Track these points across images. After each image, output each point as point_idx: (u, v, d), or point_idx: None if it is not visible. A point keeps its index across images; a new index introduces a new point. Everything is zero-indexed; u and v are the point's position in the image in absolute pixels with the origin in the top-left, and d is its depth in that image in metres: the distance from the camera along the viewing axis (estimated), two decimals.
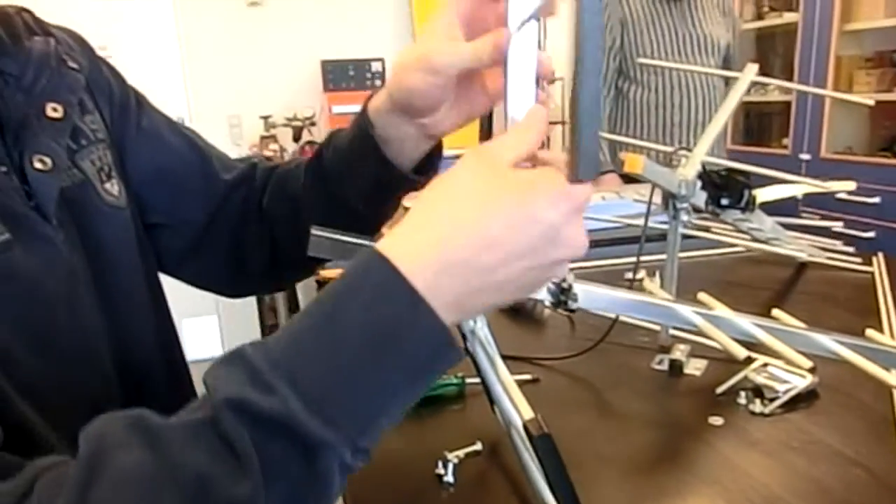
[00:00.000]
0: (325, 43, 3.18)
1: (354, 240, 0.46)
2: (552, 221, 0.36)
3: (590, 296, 0.52)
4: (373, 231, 0.62)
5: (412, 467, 0.61)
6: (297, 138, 3.03)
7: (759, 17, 2.99)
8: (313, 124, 3.06)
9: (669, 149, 0.83)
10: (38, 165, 0.48)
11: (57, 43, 0.54)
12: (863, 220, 2.28)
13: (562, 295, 0.45)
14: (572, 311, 0.45)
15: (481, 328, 0.48)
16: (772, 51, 3.11)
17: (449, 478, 0.58)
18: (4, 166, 0.46)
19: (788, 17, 2.78)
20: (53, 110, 0.51)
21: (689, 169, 0.79)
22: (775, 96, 2.88)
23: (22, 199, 0.46)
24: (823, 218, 2.21)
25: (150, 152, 0.61)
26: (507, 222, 0.36)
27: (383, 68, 3.11)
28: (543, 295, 0.48)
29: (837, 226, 1.15)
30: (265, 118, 3.05)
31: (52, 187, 0.49)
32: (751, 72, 0.87)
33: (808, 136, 2.60)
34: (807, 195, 1.30)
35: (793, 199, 1.07)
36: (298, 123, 3.02)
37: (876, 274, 1.09)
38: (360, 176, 0.56)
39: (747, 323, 0.60)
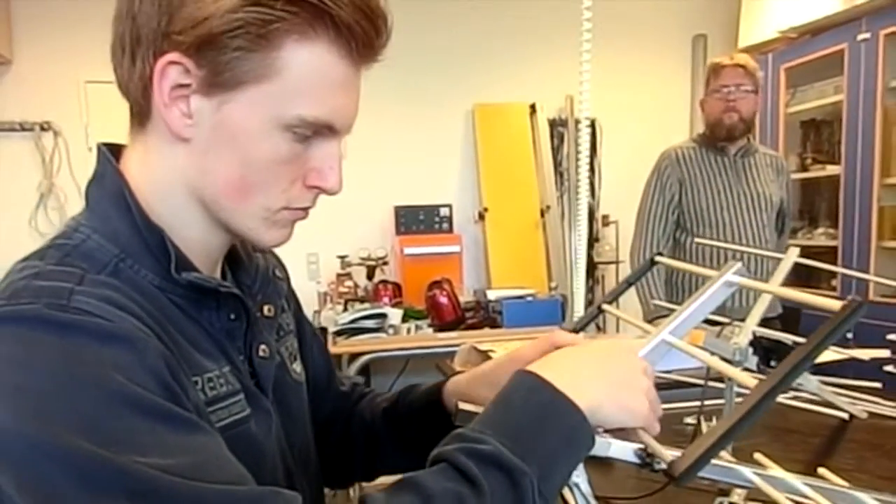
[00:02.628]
0: (400, 191, 3.54)
1: None
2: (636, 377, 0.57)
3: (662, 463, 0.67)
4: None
5: None
6: (370, 276, 3.31)
7: (804, 168, 3.21)
8: (385, 263, 3.34)
9: (725, 320, 1.01)
10: (261, 353, 0.64)
11: (267, 257, 0.75)
12: None
13: (647, 458, 0.61)
14: (656, 471, 0.61)
15: (583, 482, 0.65)
16: (818, 196, 3.30)
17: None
18: (243, 355, 0.62)
19: (831, 169, 2.98)
20: (268, 311, 0.68)
21: (742, 338, 0.96)
22: (822, 240, 3.04)
23: (252, 381, 0.62)
24: (875, 360, 2.28)
25: (305, 360, 0.78)
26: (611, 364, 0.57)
27: (450, 213, 3.41)
28: (631, 457, 0.65)
29: (878, 385, 1.28)
30: (342, 257, 3.35)
31: (270, 370, 0.65)
32: (793, 255, 1.06)
33: (854, 280, 2.72)
34: (858, 337, 1.39)
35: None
36: (372, 263, 3.31)
37: None
38: (426, 426, 0.73)
39: (797, 483, 0.74)
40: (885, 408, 1.27)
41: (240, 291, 0.62)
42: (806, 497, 0.71)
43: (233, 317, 0.62)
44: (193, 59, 0.52)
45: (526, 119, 3.57)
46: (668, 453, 0.56)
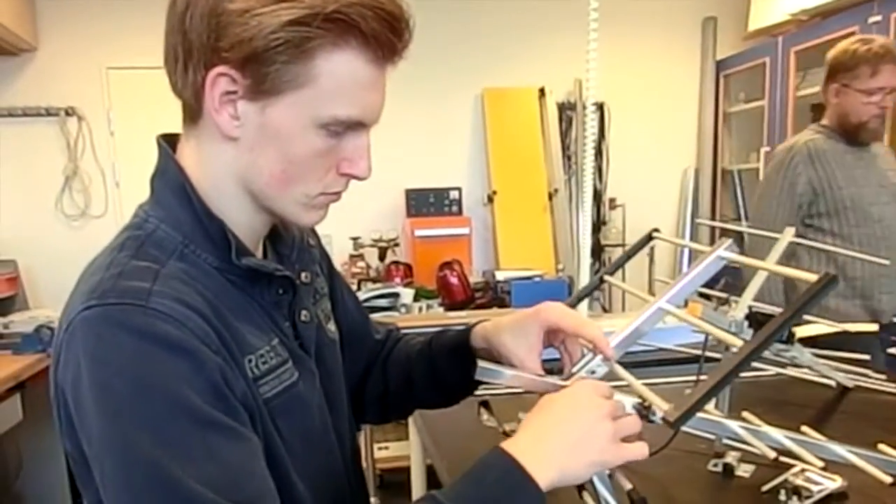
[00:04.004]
0: (410, 174, 3.59)
1: (507, 370, 0.72)
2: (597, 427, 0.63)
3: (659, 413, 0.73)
4: (459, 399, 0.91)
5: None
6: (382, 257, 3.37)
7: None
8: (397, 245, 3.40)
9: (723, 295, 1.06)
10: (303, 318, 0.72)
11: (300, 226, 0.81)
12: None
13: (644, 411, 0.67)
14: (652, 421, 0.67)
15: None
16: None
17: None
18: (288, 321, 0.70)
19: None
20: (305, 277, 0.75)
21: (738, 312, 1.02)
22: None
23: (296, 343, 0.70)
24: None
25: (339, 315, 0.86)
26: (575, 423, 0.63)
27: (460, 196, 3.46)
28: (630, 409, 0.71)
29: (866, 357, 1.33)
30: (354, 239, 3.42)
31: (311, 333, 0.73)
32: (788, 234, 1.11)
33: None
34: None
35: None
36: (384, 244, 3.36)
37: None
38: (458, 368, 0.82)
39: (779, 435, 0.80)
40: (878, 382, 1.32)
41: (289, 272, 0.70)
42: (786, 448, 0.77)
43: (281, 291, 0.70)
44: (240, 72, 0.59)
45: (535, 103, 3.60)
46: (664, 404, 0.62)
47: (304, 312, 0.73)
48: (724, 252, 0.74)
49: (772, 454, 0.75)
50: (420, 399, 0.92)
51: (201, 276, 0.63)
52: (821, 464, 0.74)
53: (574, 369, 0.72)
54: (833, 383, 1.29)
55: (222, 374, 0.58)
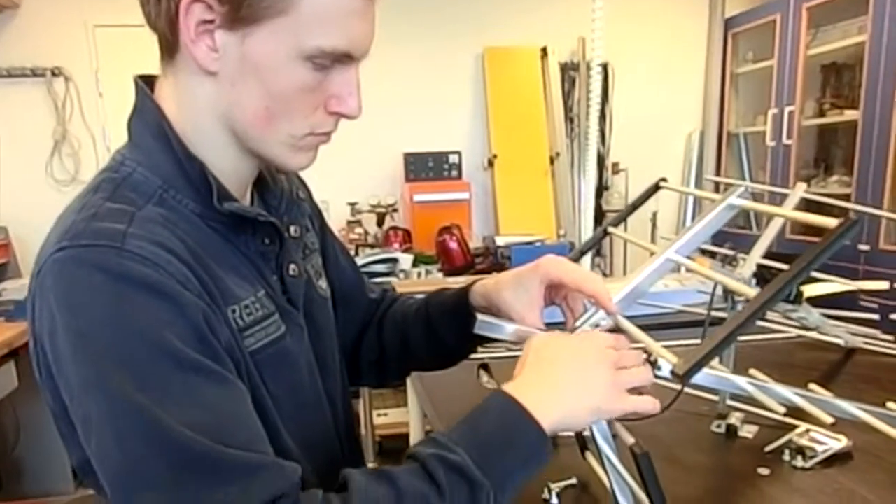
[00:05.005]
0: (408, 137, 3.53)
1: (507, 323, 0.68)
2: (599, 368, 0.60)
3: (667, 366, 0.70)
4: (457, 361, 0.88)
5: (525, 494, 0.79)
6: (380, 223, 3.33)
7: (821, 114, 3.15)
8: (395, 210, 3.36)
9: (730, 252, 1.02)
10: (291, 272, 0.69)
11: (291, 179, 0.78)
12: None
13: (650, 365, 0.64)
14: (658, 376, 0.64)
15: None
16: (834, 144, 3.26)
17: (554, 500, 0.76)
18: (275, 275, 0.67)
19: (849, 114, 2.93)
20: (294, 231, 0.72)
21: (746, 269, 0.97)
22: (835, 189, 3.01)
23: (284, 297, 0.68)
24: (881, 307, 2.29)
25: (332, 273, 0.83)
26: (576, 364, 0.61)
27: (459, 160, 3.40)
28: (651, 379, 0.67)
29: (875, 317, 1.29)
30: (352, 204, 3.37)
31: (300, 288, 0.70)
32: (800, 189, 1.07)
33: (867, 227, 2.71)
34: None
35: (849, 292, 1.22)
36: (382, 210, 3.32)
37: None
38: (456, 327, 0.80)
39: (787, 392, 0.77)
40: (885, 345, 1.29)
41: (274, 219, 0.66)
42: (793, 404, 0.74)
43: (267, 241, 0.67)
44: None
45: (537, 63, 3.51)
46: (672, 357, 0.59)
47: (292, 266, 0.70)
48: (736, 199, 0.70)
49: (780, 409, 0.72)
50: (417, 360, 0.88)
51: (182, 222, 0.59)
52: (830, 420, 0.71)
53: (577, 323, 0.68)
54: (841, 341, 1.25)
55: (206, 319, 0.55)
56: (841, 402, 0.78)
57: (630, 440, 0.58)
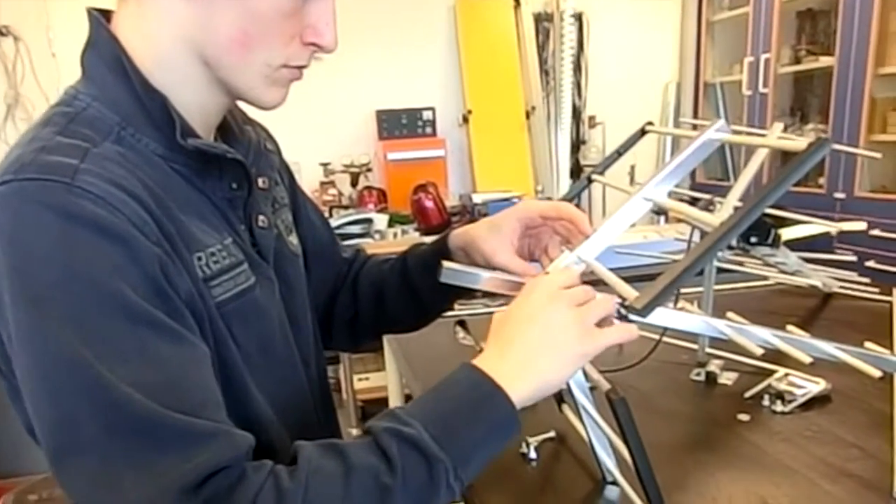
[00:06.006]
0: (380, 93, 3.43)
1: (473, 270, 0.65)
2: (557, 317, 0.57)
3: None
4: (432, 318, 0.86)
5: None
6: (354, 183, 3.26)
7: (797, 61, 3.12)
8: (369, 170, 3.29)
9: (706, 196, 0.99)
10: (261, 223, 0.65)
11: (258, 130, 0.73)
12: (893, 256, 2.37)
13: (622, 309, 0.61)
14: (631, 321, 0.61)
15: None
16: (809, 92, 3.23)
17: (532, 455, 0.75)
18: (244, 224, 0.63)
19: (825, 60, 2.90)
20: (263, 183, 0.68)
21: (724, 212, 0.95)
22: (811, 137, 2.99)
23: (254, 250, 0.64)
24: (856, 254, 2.31)
25: (304, 231, 0.79)
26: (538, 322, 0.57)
27: (433, 116, 3.33)
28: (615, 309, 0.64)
29: (853, 258, 1.29)
30: (324, 165, 3.29)
31: (270, 240, 0.66)
32: (777, 129, 1.04)
33: (842, 175, 2.71)
34: (841, 232, 1.41)
35: (827, 235, 1.21)
36: (355, 169, 3.25)
37: (894, 303, 1.22)
38: (432, 277, 0.75)
39: (765, 332, 0.75)
40: (861, 289, 1.29)
41: (243, 158, 0.62)
42: (773, 346, 0.73)
43: (235, 186, 0.62)
44: None
45: (510, 14, 3.41)
46: (632, 292, 0.56)
47: (261, 217, 0.66)
48: (716, 133, 0.66)
49: (758, 351, 0.70)
50: (392, 319, 0.85)
51: (142, 163, 0.55)
52: (808, 359, 0.70)
53: (549, 268, 0.65)
54: (820, 283, 1.24)
55: (162, 268, 0.50)
56: (819, 342, 0.76)
57: (606, 386, 0.56)
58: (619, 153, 0.91)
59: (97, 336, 0.46)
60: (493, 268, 0.72)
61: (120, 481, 0.44)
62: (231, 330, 0.58)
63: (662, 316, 0.75)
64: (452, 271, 0.63)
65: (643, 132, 0.91)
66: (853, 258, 1.28)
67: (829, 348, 0.73)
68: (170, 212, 0.54)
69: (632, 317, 0.60)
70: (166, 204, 0.54)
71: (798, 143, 0.56)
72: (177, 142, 0.56)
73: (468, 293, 0.79)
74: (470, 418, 0.53)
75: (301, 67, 0.61)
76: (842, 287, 1.28)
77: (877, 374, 0.66)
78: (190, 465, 0.45)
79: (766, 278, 1.35)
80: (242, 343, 0.59)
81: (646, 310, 0.54)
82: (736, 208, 0.98)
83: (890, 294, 1.27)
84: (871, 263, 2.22)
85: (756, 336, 0.74)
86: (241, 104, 0.67)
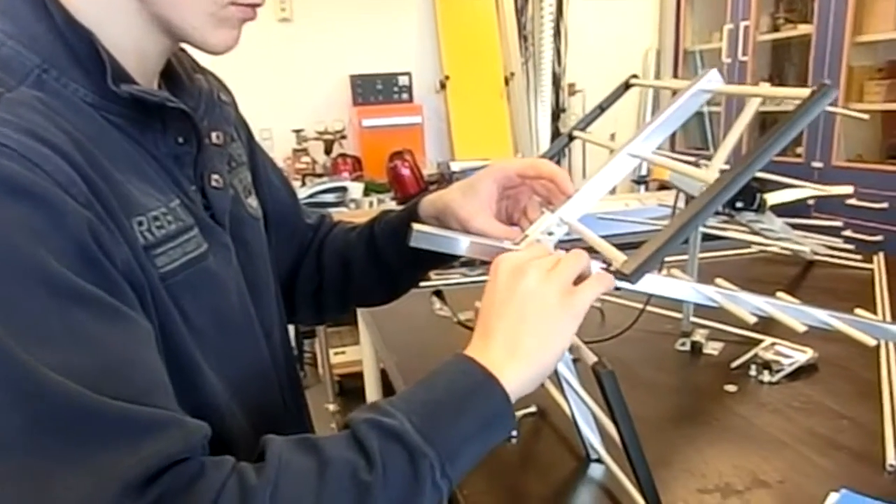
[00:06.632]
0: (354, 58, 3.32)
1: (447, 233, 0.59)
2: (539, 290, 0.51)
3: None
4: (403, 290, 0.79)
5: None
6: (328, 151, 3.17)
7: (775, 28, 3.09)
8: (343, 137, 3.20)
9: (691, 159, 0.96)
10: (214, 183, 0.58)
11: (209, 79, 0.66)
12: (870, 225, 2.38)
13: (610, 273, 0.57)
14: (618, 288, 0.57)
15: None
16: (787, 61, 3.21)
17: (513, 432, 0.71)
18: (195, 185, 0.56)
19: (803, 28, 2.87)
20: (217, 138, 0.60)
21: (709, 174, 0.91)
22: (789, 106, 2.98)
23: (207, 213, 0.56)
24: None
25: (263, 193, 0.73)
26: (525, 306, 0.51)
27: (410, 82, 3.23)
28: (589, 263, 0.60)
29: (839, 224, 1.27)
30: (297, 132, 3.19)
31: (225, 202, 0.59)
32: (753, 105, 1.00)
33: (820, 144, 2.70)
34: (819, 200, 1.41)
35: (805, 203, 1.19)
36: (329, 136, 3.16)
37: (875, 270, 1.21)
38: (402, 248, 0.68)
39: (759, 300, 0.72)
40: (843, 256, 1.27)
41: (187, 108, 0.54)
42: (766, 313, 0.69)
43: (181, 140, 0.55)
44: None
45: None
46: (621, 256, 0.52)
47: (214, 177, 0.58)
48: (708, 84, 0.62)
49: (752, 319, 0.67)
50: (359, 290, 0.79)
51: (69, 112, 0.47)
52: (803, 328, 0.67)
53: (528, 231, 0.60)
54: (808, 250, 1.22)
55: (93, 234, 0.43)
56: (813, 309, 0.73)
57: (593, 358, 0.52)
58: (602, 108, 0.86)
59: (15, 314, 0.39)
60: (471, 233, 0.67)
61: (50, 482, 0.38)
62: (179, 304, 0.51)
63: (650, 283, 0.72)
64: (424, 235, 0.58)
65: (627, 86, 0.87)
66: (839, 223, 1.26)
67: (824, 316, 0.71)
68: (102, 169, 0.47)
69: (619, 283, 0.57)
70: (98, 160, 0.47)
71: (800, 91, 0.52)
72: (109, 88, 0.49)
73: (443, 263, 0.73)
74: (459, 409, 0.47)
75: (254, 5, 0.54)
76: (827, 254, 1.26)
77: (871, 342, 0.63)
78: (134, 460, 0.39)
79: (748, 245, 1.33)
80: (193, 318, 0.53)
81: (636, 274, 0.50)
82: (723, 171, 0.94)
83: (871, 262, 1.26)
84: (847, 233, 2.22)
85: (748, 304, 0.70)
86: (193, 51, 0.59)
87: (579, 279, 0.52)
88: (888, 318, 0.99)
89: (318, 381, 2.73)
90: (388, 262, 0.74)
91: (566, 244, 0.60)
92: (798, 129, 0.50)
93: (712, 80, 0.63)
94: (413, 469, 0.44)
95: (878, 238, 2.36)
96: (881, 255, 1.28)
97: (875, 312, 1.01)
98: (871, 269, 1.22)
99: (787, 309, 0.70)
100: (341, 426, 0.48)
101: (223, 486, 0.41)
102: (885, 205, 2.34)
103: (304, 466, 0.43)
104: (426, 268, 0.78)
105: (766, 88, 0.62)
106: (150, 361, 0.44)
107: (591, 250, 0.57)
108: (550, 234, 0.61)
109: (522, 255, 0.54)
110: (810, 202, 2.39)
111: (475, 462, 0.48)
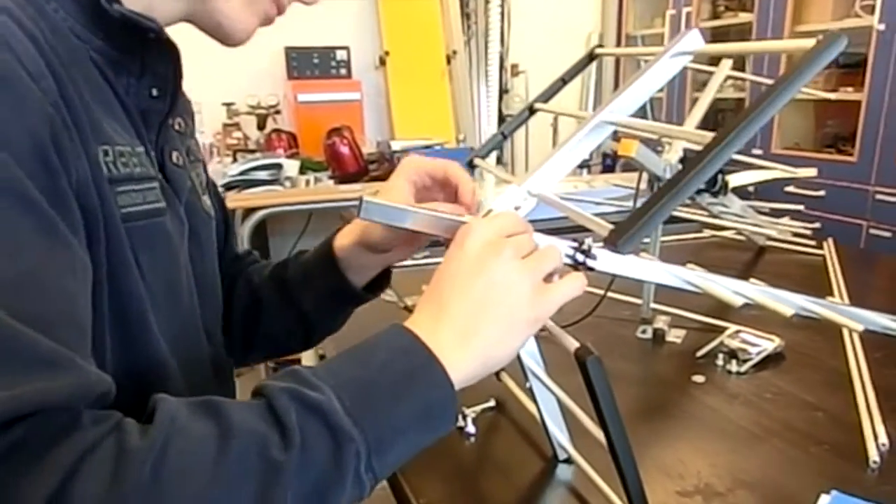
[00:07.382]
0: (289, 29, 3.15)
1: (400, 206, 0.51)
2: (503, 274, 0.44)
3: (606, 257, 0.56)
4: (315, 341, 0.71)
5: None
6: (261, 126, 3.00)
7: (716, 16, 3.13)
8: (278, 112, 3.03)
9: (653, 137, 0.90)
10: (174, 159, 0.54)
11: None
12: (808, 212, 2.44)
13: (579, 254, 0.50)
14: (592, 269, 0.50)
15: None
16: None
17: (470, 428, 0.64)
18: (155, 151, 0.52)
19: (743, 16, 2.92)
20: (179, 125, 0.56)
21: (673, 154, 0.86)
22: (730, 93, 3.02)
23: (166, 183, 0.52)
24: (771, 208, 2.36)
25: None
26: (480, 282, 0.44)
27: (348, 57, 3.09)
28: (563, 258, 0.53)
29: (800, 207, 1.25)
30: (228, 105, 3.01)
31: (184, 180, 0.54)
32: (725, 67, 0.96)
33: (759, 132, 2.75)
34: (759, 187, 1.39)
35: (745, 189, 1.16)
36: (263, 111, 2.99)
37: (827, 256, 1.20)
38: (316, 287, 0.63)
39: (742, 285, 0.67)
40: (795, 242, 1.27)
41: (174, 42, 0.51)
42: (749, 298, 0.64)
43: (155, 93, 0.51)
44: None
45: None
46: (606, 225, 0.45)
47: (175, 154, 0.54)
48: (689, 45, 0.55)
49: (739, 301, 0.62)
50: (268, 333, 0.69)
51: (52, 32, 0.43)
52: (790, 311, 0.62)
53: (492, 204, 0.53)
54: (773, 233, 1.20)
55: (54, 136, 0.39)
56: (796, 296, 0.69)
57: (574, 344, 0.45)
58: (564, 81, 0.80)
59: None
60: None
61: None
62: (136, 253, 0.46)
63: (621, 264, 0.65)
64: (376, 206, 0.49)
65: (592, 56, 0.80)
66: (801, 207, 1.25)
67: (803, 301, 0.66)
68: (76, 85, 0.43)
69: (589, 262, 0.50)
70: (73, 76, 0.43)
71: (802, 42, 0.46)
72: (99, 9, 0.45)
73: (367, 298, 0.65)
74: (395, 392, 0.39)
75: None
76: (781, 240, 1.24)
77: (859, 327, 0.59)
78: (7, 395, 0.31)
79: (699, 231, 1.30)
80: (147, 274, 0.47)
81: (625, 244, 0.43)
82: (685, 151, 0.89)
83: (820, 248, 1.25)
84: (785, 220, 2.27)
85: (728, 289, 0.65)
86: None
87: (547, 278, 0.45)
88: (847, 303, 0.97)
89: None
90: (299, 303, 0.66)
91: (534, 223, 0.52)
92: (805, 79, 0.44)
93: (693, 41, 0.56)
94: (336, 454, 0.36)
95: (816, 226, 2.42)
96: (830, 241, 1.28)
97: (832, 296, 0.99)
98: (822, 256, 1.21)
99: (773, 295, 0.66)
100: (254, 392, 0.39)
101: (95, 444, 0.33)
102: (822, 193, 2.40)
103: (203, 433, 0.35)
104: (340, 310, 0.68)
105: (759, 43, 0.56)
106: (72, 293, 0.38)
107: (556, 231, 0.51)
108: (518, 208, 0.54)
109: (497, 224, 0.46)
110: (751, 188, 2.42)
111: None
